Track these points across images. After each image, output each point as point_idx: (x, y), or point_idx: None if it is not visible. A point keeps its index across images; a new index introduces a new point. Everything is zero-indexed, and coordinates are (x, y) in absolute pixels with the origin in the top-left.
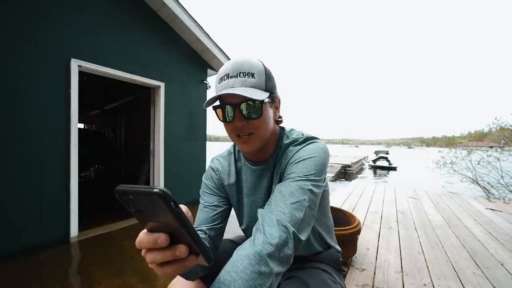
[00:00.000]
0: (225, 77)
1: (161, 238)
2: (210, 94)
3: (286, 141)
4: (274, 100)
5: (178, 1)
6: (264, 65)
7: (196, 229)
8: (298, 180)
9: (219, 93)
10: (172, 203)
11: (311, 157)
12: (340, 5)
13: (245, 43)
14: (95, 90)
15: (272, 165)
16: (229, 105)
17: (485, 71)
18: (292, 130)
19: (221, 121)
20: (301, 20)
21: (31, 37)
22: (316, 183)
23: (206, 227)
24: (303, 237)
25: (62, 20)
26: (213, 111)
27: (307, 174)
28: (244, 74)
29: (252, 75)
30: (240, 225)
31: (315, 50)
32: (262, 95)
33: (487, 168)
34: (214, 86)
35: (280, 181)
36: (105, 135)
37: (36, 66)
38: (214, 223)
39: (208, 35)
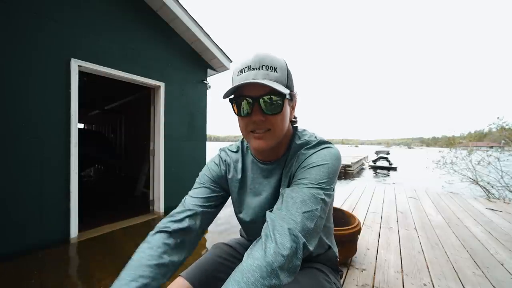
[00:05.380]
0: (246, 69)
1: None
2: (210, 94)
3: (298, 142)
4: (292, 98)
5: (178, 1)
6: (285, 62)
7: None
8: (311, 187)
9: (243, 82)
10: None
11: (325, 164)
12: (340, 4)
13: (245, 43)
14: (95, 90)
15: (282, 165)
16: (248, 97)
17: (485, 71)
18: (304, 130)
19: (237, 114)
20: (301, 19)
21: (31, 37)
22: (327, 192)
23: (199, 205)
24: (311, 247)
25: (62, 20)
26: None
27: (320, 181)
28: (267, 68)
29: (275, 69)
30: (239, 219)
31: (315, 50)
32: (285, 91)
33: (487, 168)
34: (231, 78)
35: (289, 183)
36: (105, 135)
37: (36, 66)
38: (208, 203)
39: (208, 35)
